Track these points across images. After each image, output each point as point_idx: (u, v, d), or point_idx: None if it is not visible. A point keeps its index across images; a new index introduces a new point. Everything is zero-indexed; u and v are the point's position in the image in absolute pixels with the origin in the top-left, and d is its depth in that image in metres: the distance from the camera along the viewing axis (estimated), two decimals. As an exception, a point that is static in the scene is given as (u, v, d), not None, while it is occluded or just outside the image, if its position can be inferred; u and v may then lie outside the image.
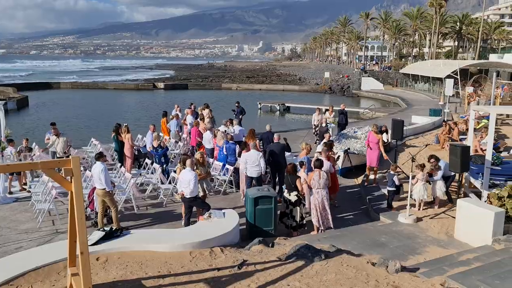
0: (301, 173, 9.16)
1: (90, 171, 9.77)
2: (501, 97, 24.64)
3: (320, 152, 10.18)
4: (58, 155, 11.83)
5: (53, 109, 38.34)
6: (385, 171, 12.62)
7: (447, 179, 9.82)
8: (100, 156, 8.66)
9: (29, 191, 10.90)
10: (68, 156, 11.60)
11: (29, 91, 47.80)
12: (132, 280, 5.43)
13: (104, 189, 8.36)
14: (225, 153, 11.83)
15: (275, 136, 11.57)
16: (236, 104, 18.86)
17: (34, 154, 12.09)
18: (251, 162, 10.16)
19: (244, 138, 12.78)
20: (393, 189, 9.83)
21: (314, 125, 17.64)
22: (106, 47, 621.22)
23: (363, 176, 12.53)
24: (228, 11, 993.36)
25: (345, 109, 18.42)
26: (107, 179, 8.35)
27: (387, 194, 10.10)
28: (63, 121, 29.31)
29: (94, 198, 8.86)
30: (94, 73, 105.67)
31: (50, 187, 9.35)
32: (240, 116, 18.13)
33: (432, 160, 9.85)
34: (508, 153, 12.76)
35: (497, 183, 9.37)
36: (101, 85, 63.19)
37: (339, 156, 12.51)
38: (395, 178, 9.80)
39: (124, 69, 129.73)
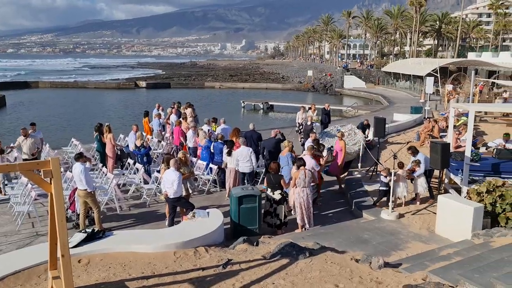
0: (293, 169, 9.15)
1: (71, 171, 9.59)
2: (479, 95, 25.20)
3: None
4: (24, 157, 11.39)
5: (33, 108, 37.48)
6: (367, 168, 12.77)
7: (426, 172, 9.99)
8: (79, 157, 8.49)
9: (5, 194, 10.60)
10: (35, 158, 11.28)
11: (6, 91, 46.57)
12: (116, 282, 5.36)
13: (86, 189, 8.23)
14: (212, 151, 11.79)
15: (272, 132, 11.75)
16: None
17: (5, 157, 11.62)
18: (242, 158, 10.14)
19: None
20: (385, 188, 9.74)
21: (298, 123, 17.70)
22: (86, 45, 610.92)
23: (346, 174, 12.64)
24: (210, 9, 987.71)
25: (329, 108, 18.53)
26: (88, 180, 8.22)
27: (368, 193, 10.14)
28: (45, 120, 28.82)
29: (75, 199, 8.71)
30: (84, 72, 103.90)
31: (29, 189, 9.14)
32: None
33: (409, 151, 10.02)
34: (486, 149, 13.03)
35: (476, 179, 9.57)
36: (81, 84, 62.11)
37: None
38: (382, 178, 9.83)
39: (108, 68, 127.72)
